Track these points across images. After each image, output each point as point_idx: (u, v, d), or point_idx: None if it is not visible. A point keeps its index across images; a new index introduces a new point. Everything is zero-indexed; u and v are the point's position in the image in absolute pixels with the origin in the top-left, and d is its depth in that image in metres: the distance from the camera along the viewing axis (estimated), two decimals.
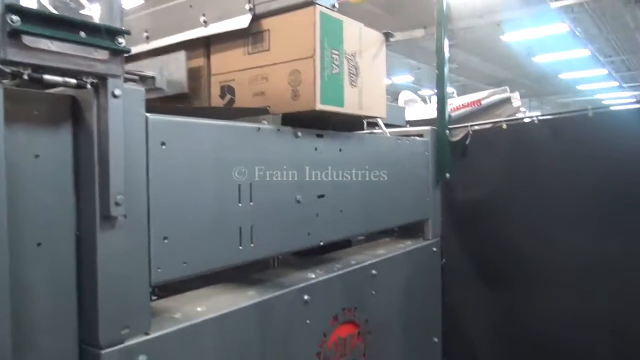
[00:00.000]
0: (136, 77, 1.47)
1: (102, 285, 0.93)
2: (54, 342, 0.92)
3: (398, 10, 8.20)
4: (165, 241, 1.05)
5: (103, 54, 0.91)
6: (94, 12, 1.30)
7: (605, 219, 2.40)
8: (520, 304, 2.66)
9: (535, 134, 2.72)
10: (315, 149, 1.49)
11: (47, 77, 0.84)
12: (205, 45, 1.59)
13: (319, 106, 1.37)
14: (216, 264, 1.18)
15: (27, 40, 0.80)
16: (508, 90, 5.58)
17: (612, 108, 3.12)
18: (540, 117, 2.82)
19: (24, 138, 0.87)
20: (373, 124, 2.02)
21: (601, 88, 15.30)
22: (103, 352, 0.93)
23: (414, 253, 2.03)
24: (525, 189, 2.63)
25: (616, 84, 14.47)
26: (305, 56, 1.36)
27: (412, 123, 2.85)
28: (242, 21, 1.45)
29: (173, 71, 1.58)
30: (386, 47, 1.69)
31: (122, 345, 0.96)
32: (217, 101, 1.56)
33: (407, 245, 2.06)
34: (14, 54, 0.78)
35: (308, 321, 1.44)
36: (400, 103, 4.54)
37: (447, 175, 2.24)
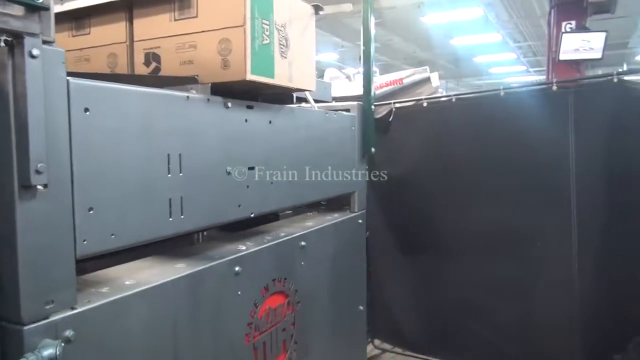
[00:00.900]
0: None
1: (23, 258, 0.88)
2: None
3: None
4: (91, 212, 1.01)
5: (18, 10, 0.84)
6: None
7: (514, 192, 2.61)
8: (435, 271, 2.83)
9: (453, 112, 2.88)
10: (246, 120, 1.48)
11: None
12: (127, 8, 1.51)
13: (250, 76, 1.36)
14: (145, 236, 1.15)
15: None
16: (428, 70, 5.79)
17: (521, 89, 3.35)
18: (457, 96, 2.99)
19: None
20: (301, 99, 2.03)
21: (511, 72, 16.32)
22: (26, 328, 0.88)
23: (341, 225, 2.09)
24: (442, 164, 2.79)
25: (524, 68, 15.48)
26: (235, 24, 1.34)
27: (338, 99, 2.89)
28: None
29: None
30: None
31: (46, 321, 0.91)
32: (141, 69, 1.49)
33: (335, 217, 2.11)
34: None
35: (239, 292, 1.45)
36: (326, 80, 4.57)
37: (373, 150, 2.31)
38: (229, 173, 1.41)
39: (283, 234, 1.72)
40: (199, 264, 1.32)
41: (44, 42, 0.89)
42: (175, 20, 1.43)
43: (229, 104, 1.40)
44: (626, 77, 2.44)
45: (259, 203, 1.56)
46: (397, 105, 2.87)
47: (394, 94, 4.66)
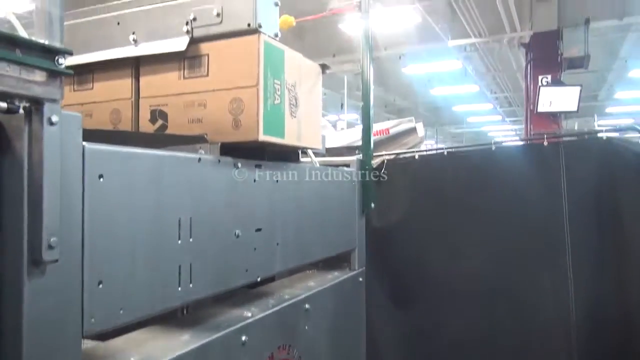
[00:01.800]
0: None
1: (28, 341, 0.80)
2: None
3: (307, 36, 8.38)
4: (100, 286, 0.93)
5: (40, 75, 0.79)
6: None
7: (504, 242, 2.61)
8: (429, 321, 2.78)
9: (445, 164, 2.92)
10: (254, 180, 1.44)
11: None
12: (134, 65, 1.48)
13: (262, 137, 1.32)
14: (155, 309, 1.07)
15: None
16: (414, 120, 5.88)
17: (510, 144, 3.44)
18: (449, 150, 3.03)
19: None
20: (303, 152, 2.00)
21: (487, 121, 16.78)
22: None
23: (343, 284, 2.02)
24: (435, 215, 2.79)
25: (500, 117, 15.95)
26: (248, 85, 1.32)
27: (329, 151, 2.89)
28: (178, 44, 1.37)
29: None
30: None
31: None
32: (146, 125, 1.45)
33: (336, 276, 2.05)
34: None
35: None
36: None
37: (372, 205, 2.28)
38: (237, 236, 1.35)
39: (287, 297, 1.65)
40: (204, 335, 1.24)
41: None
42: (184, 78, 1.40)
43: (239, 165, 1.36)
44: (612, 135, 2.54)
45: (265, 266, 1.49)
46: (388, 157, 2.90)
47: (381, 144, 4.70)
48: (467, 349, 2.63)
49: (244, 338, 1.34)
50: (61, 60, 0.81)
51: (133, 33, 1.46)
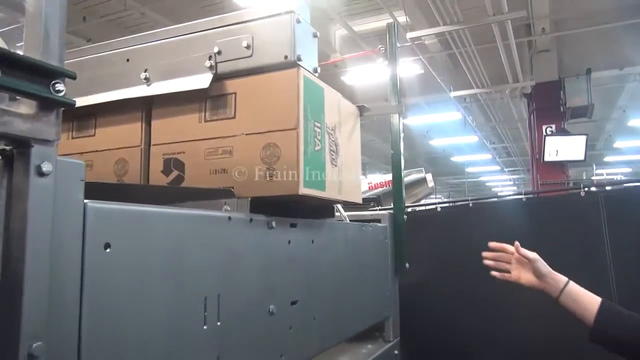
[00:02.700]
0: None
1: None
2: None
3: None
4: None
5: (28, 106, 0.56)
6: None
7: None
8: None
9: (468, 215, 2.77)
10: (289, 242, 1.18)
11: None
12: (145, 107, 1.26)
13: (302, 190, 1.08)
14: None
15: None
16: (424, 171, 5.70)
17: (542, 195, 3.28)
18: (473, 200, 2.87)
19: None
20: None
21: (486, 171, 16.71)
22: None
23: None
24: (459, 266, 2.61)
25: (498, 167, 15.88)
26: (285, 127, 1.08)
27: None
28: (200, 81, 1.15)
29: None
30: None
31: None
32: (157, 177, 1.20)
33: (370, 350, 1.75)
34: None
35: None
36: None
37: (407, 265, 2.01)
38: (271, 313, 1.08)
39: None
40: None
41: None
42: (205, 121, 1.17)
43: (274, 224, 1.10)
44: None
45: (301, 347, 1.21)
46: (409, 209, 2.79)
47: (391, 195, 4.48)
48: None
49: None
50: (59, 86, 0.57)
51: (145, 70, 1.24)
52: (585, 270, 2.32)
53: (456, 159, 14.74)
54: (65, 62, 0.61)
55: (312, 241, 1.30)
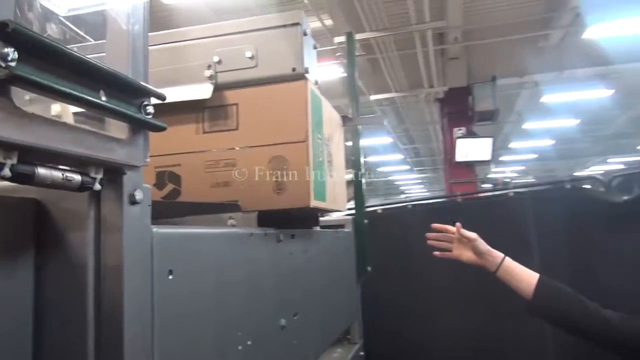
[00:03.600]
0: None
1: None
2: None
3: None
4: None
5: (121, 130, 0.52)
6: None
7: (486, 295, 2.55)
8: None
9: (414, 218, 2.86)
10: (291, 253, 1.18)
11: (42, 171, 0.42)
12: None
13: (313, 202, 1.08)
14: None
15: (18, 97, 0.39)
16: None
17: (480, 195, 3.48)
18: (414, 202, 2.97)
19: None
20: None
21: (397, 170, 17.46)
22: None
23: None
24: (402, 269, 2.70)
25: (408, 167, 16.67)
26: (294, 140, 1.08)
27: None
28: (201, 91, 1.11)
29: None
30: None
31: None
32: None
33: (341, 353, 1.78)
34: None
35: None
36: None
37: (369, 269, 2.07)
38: (283, 327, 1.07)
39: None
40: None
41: None
42: (204, 132, 1.14)
43: (281, 237, 1.10)
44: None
45: (302, 357, 1.21)
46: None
47: None
48: None
49: None
50: (149, 108, 0.54)
51: None
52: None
53: (370, 159, 15.25)
54: None
55: (305, 251, 1.30)
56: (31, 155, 0.41)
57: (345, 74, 7.26)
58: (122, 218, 0.51)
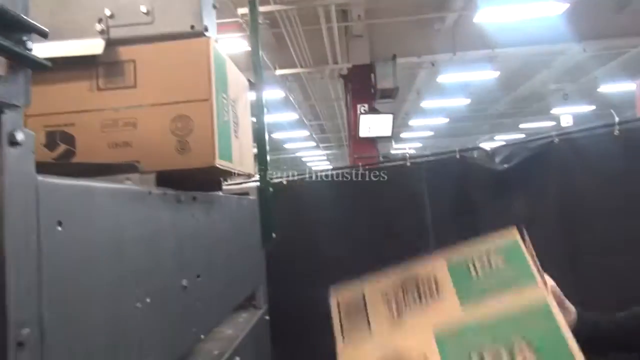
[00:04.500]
0: None
1: None
2: None
3: None
4: None
5: None
6: None
7: (380, 262, 2.71)
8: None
9: (315, 189, 2.95)
10: (192, 215, 1.17)
11: None
12: None
13: (219, 162, 1.08)
14: None
15: None
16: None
17: (381, 165, 3.63)
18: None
19: None
20: None
21: (303, 147, 17.64)
22: None
23: (256, 327, 1.79)
24: (306, 237, 2.79)
25: (314, 144, 16.91)
26: (198, 98, 1.06)
27: None
28: (92, 47, 1.05)
29: None
30: None
31: None
32: (39, 152, 1.07)
33: (246, 318, 1.81)
34: None
35: None
36: None
37: (274, 235, 2.10)
38: (185, 287, 1.07)
39: (216, 352, 1.38)
40: None
41: None
42: (99, 89, 1.08)
43: (182, 198, 1.08)
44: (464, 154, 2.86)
45: (206, 321, 1.22)
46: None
47: None
48: None
49: None
50: (29, 44, 0.51)
51: None
52: (408, 236, 2.69)
53: (276, 135, 15.24)
54: None
55: (209, 214, 1.30)
56: None
57: (249, 48, 7.15)
58: (1, 159, 0.48)
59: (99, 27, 1.06)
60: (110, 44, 1.07)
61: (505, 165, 2.72)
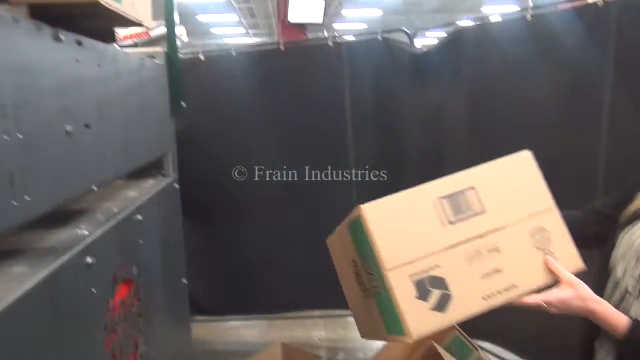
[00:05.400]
0: None
1: None
2: None
3: None
4: None
5: None
6: None
7: (297, 144, 2.76)
8: (230, 232, 2.80)
9: (235, 66, 2.85)
10: (77, 60, 1.09)
11: None
12: None
13: None
14: None
15: None
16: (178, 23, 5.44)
17: (304, 45, 3.51)
18: (240, 51, 2.93)
19: None
20: None
21: (232, 34, 16.71)
22: None
23: (163, 193, 1.80)
24: (227, 120, 2.76)
25: (244, 30, 16.06)
26: None
27: None
28: None
29: None
30: None
31: None
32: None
33: (153, 185, 1.80)
34: None
35: (93, 290, 1.10)
36: None
37: (184, 104, 2.04)
38: (68, 133, 1.02)
39: (116, 210, 1.38)
40: (44, 263, 0.94)
41: None
42: None
43: (62, 37, 1.00)
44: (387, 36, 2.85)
45: (98, 172, 1.20)
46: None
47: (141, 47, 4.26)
48: (266, 255, 2.76)
49: (89, 260, 1.07)
50: None
51: None
52: (325, 123, 2.72)
53: (202, 18, 14.25)
54: None
55: (99, 65, 1.22)
56: None
57: None
58: None
59: None
60: None
61: (424, 49, 2.75)
